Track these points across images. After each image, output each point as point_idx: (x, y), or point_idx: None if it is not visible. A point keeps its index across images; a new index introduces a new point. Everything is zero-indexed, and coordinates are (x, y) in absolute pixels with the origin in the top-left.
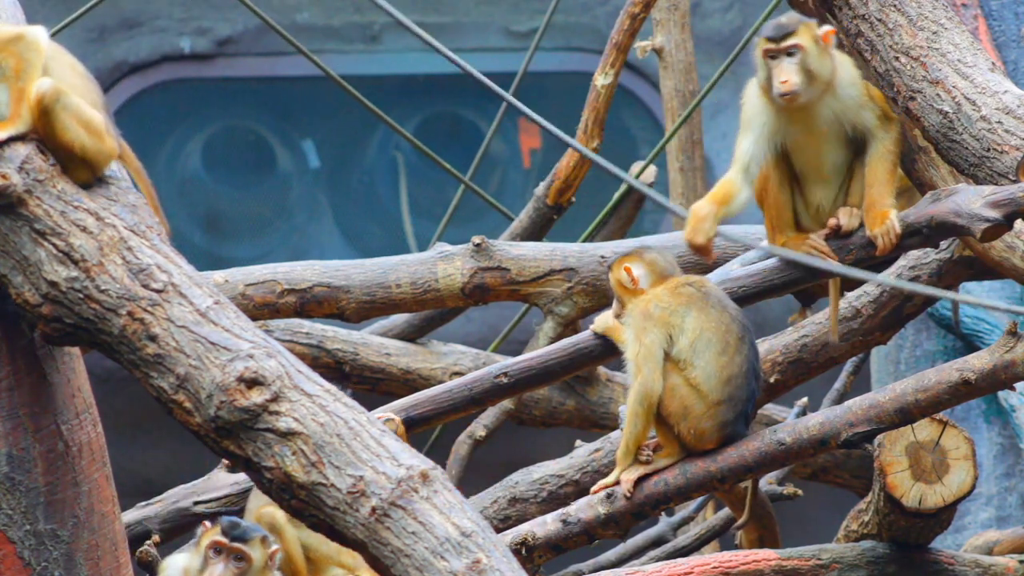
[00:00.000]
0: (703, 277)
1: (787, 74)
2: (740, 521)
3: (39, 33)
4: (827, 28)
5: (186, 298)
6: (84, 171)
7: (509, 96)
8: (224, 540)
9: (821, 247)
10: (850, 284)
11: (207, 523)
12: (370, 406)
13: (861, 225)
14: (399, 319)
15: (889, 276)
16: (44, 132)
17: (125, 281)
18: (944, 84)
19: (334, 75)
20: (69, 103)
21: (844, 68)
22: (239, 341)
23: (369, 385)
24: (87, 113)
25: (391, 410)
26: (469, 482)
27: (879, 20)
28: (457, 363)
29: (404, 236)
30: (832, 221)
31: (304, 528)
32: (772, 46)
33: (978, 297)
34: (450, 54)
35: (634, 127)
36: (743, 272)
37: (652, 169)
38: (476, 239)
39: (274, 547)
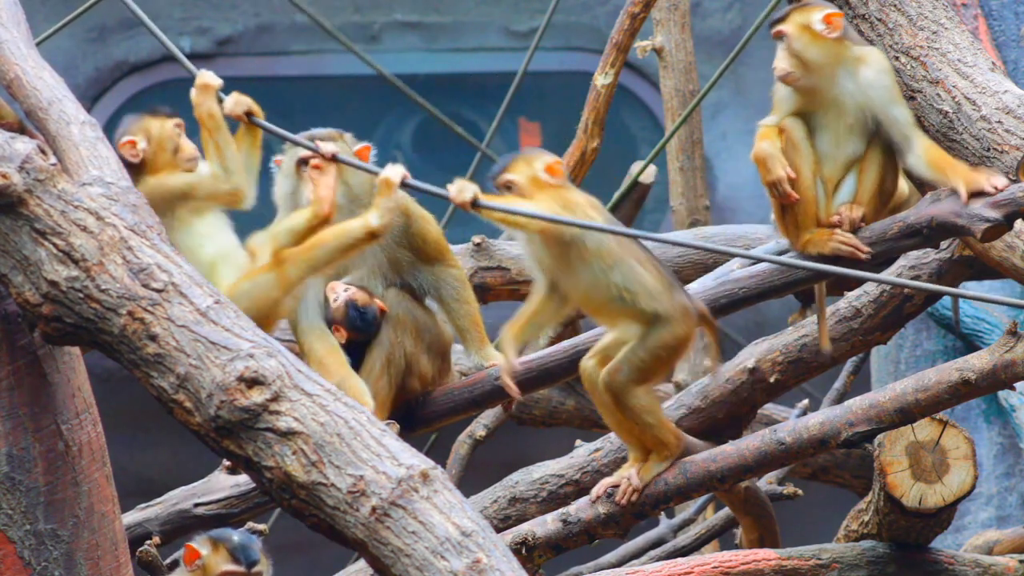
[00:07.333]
0: None
1: (777, 59)
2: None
3: None
4: (829, 11)
5: (186, 298)
6: None
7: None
8: (243, 570)
9: (850, 241)
10: (849, 284)
11: (196, 545)
12: None
13: (863, 219)
14: None
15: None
16: None
17: (125, 281)
18: (944, 84)
19: (387, 74)
20: None
21: (871, 60)
22: (239, 341)
23: None
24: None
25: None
26: (469, 482)
27: (879, 20)
28: (457, 363)
29: None
30: (835, 217)
31: None
32: (772, 31)
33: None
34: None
35: (634, 127)
36: (744, 273)
37: (652, 169)
38: (476, 238)
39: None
